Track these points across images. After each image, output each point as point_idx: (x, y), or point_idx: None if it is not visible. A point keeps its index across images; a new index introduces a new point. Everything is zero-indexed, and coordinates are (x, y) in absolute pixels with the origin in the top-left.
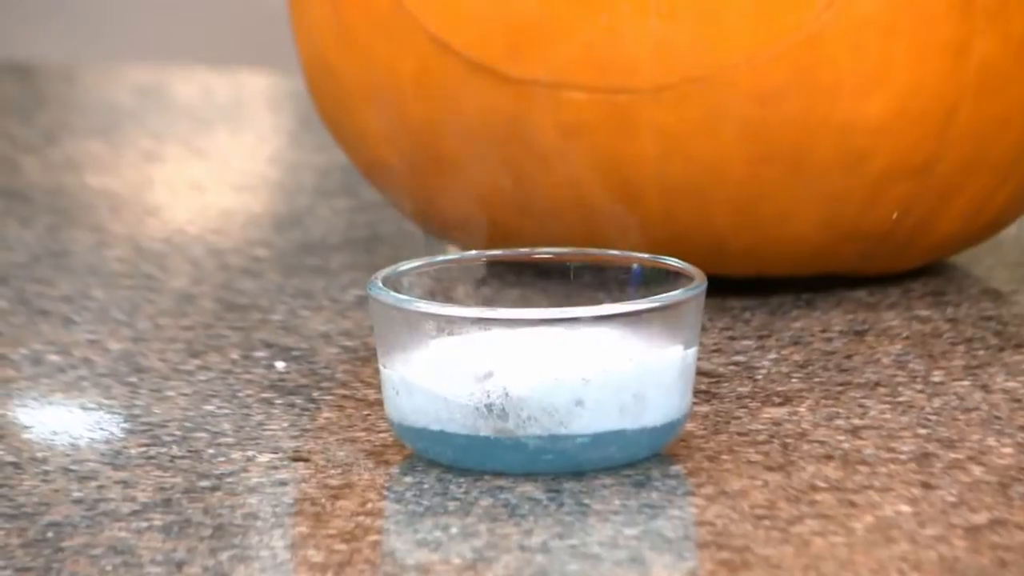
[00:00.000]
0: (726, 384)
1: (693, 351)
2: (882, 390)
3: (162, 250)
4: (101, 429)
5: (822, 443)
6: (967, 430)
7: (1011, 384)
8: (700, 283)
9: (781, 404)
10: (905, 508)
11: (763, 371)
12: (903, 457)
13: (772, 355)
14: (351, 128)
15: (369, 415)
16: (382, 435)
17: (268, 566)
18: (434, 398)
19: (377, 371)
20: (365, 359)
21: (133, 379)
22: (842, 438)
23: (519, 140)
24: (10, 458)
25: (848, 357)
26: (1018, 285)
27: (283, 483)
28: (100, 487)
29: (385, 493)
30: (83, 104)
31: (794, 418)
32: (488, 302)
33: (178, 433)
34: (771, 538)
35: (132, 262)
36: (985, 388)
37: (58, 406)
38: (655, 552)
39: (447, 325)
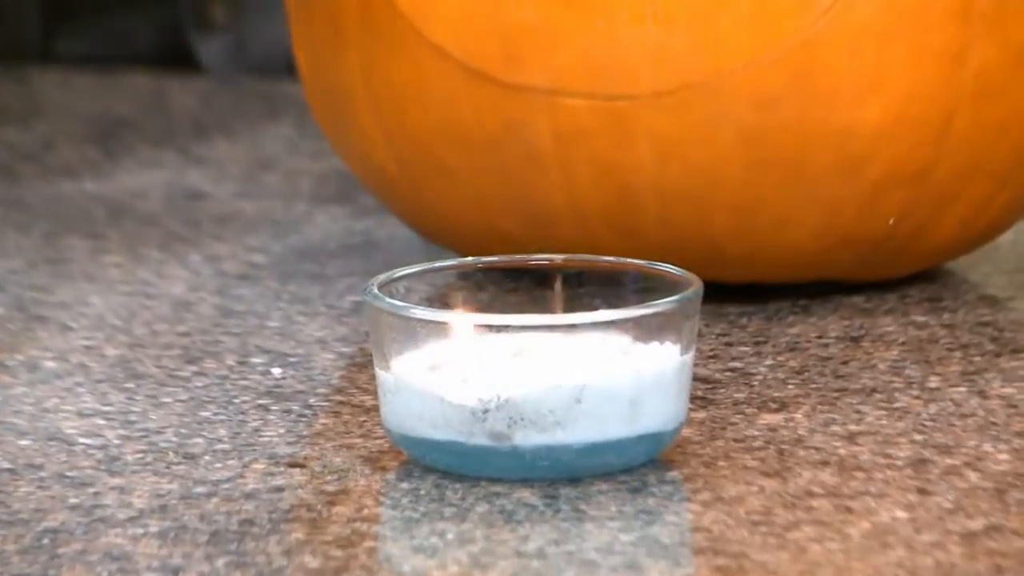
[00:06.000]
0: (722, 390)
1: (690, 357)
2: (878, 396)
3: (159, 256)
4: (97, 435)
5: (818, 449)
6: (963, 436)
7: (1007, 390)
8: (696, 289)
9: (777, 410)
10: (901, 514)
11: (759, 377)
12: (899, 463)
13: (768, 361)
14: (348, 134)
15: (365, 421)
16: (378, 441)
17: (264, 572)
18: (430, 404)
19: (373, 377)
20: (361, 365)
21: (130, 385)
22: (838, 444)
23: (516, 146)
24: (6, 464)
25: (844, 363)
26: (1014, 291)
27: (279, 489)
28: (96, 493)
29: (381, 499)
30: (80, 111)
31: (790, 424)
32: (484, 308)
33: (174, 439)
34: (767, 544)
35: (129, 268)
36: (981, 394)
37: (54, 412)
38: (651, 558)
39: (443, 331)
